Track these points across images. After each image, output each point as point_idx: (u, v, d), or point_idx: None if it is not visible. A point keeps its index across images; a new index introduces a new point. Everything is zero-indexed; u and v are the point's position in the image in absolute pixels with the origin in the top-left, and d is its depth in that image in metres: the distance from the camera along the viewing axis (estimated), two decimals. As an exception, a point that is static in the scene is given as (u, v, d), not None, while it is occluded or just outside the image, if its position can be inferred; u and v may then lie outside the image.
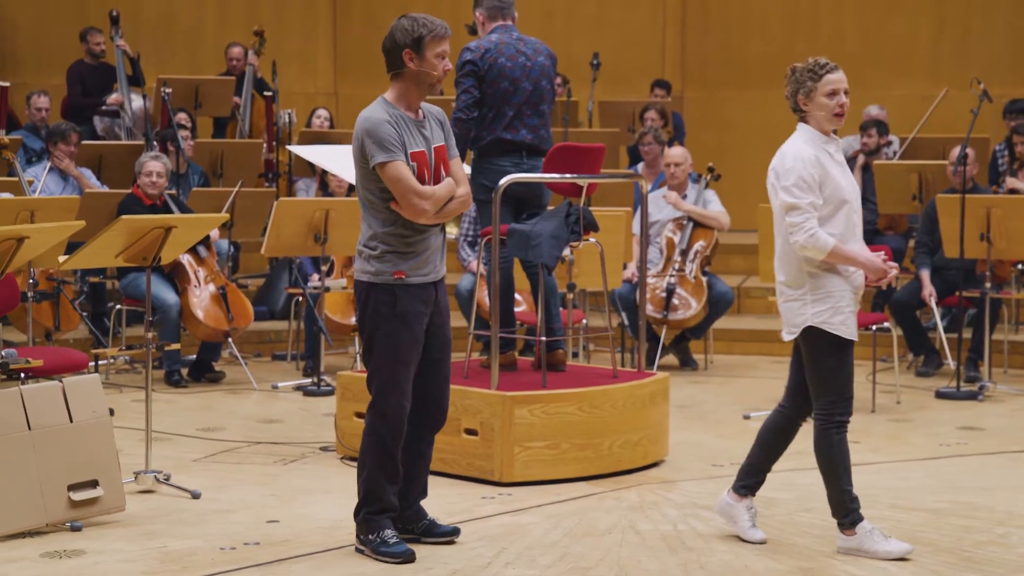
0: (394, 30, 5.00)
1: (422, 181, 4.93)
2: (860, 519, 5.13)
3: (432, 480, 6.21)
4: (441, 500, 5.92)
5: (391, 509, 5.10)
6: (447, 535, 5.26)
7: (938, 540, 5.34)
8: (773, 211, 5.16)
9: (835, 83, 5.08)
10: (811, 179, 5.01)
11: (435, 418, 5.22)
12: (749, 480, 5.38)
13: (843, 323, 5.03)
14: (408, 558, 4.99)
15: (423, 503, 5.32)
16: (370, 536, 5.04)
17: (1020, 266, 9.52)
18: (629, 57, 14.64)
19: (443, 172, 5.05)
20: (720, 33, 14.74)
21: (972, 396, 8.50)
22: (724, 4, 14.78)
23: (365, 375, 5.08)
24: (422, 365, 5.07)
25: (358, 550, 5.09)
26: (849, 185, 5.11)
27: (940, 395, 8.58)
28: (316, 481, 6.30)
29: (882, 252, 5.20)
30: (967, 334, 9.08)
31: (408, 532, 5.21)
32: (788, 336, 5.18)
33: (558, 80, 13.23)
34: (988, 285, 8.69)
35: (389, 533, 5.04)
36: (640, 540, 5.34)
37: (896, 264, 5.18)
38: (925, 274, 9.17)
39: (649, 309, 9.38)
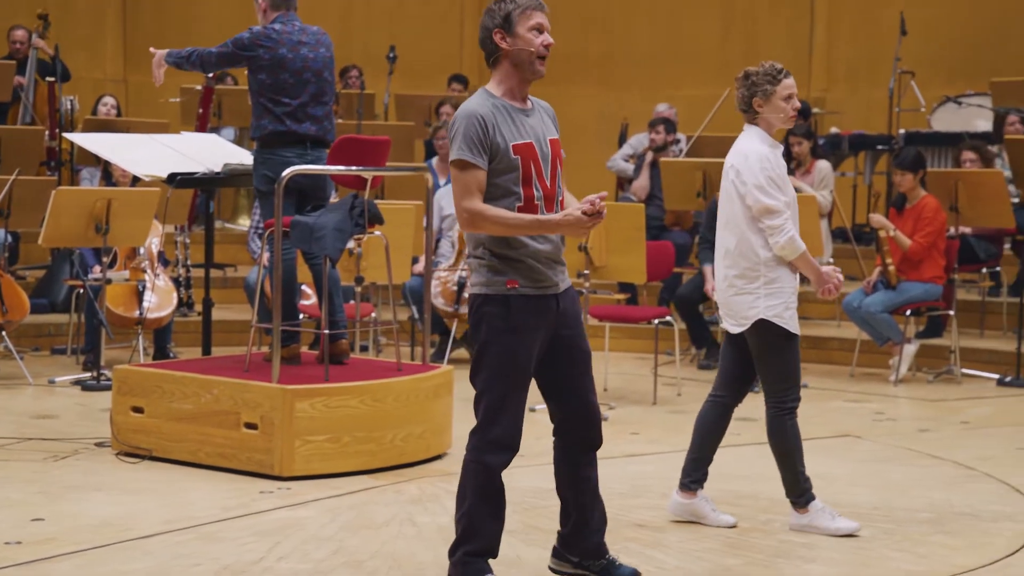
0: (482, 18, 4.46)
1: (529, 176, 4.36)
2: (812, 498, 5.42)
3: (211, 475, 6.21)
4: (219, 495, 5.86)
5: (493, 551, 4.50)
6: None
7: (702, 527, 5.50)
8: (729, 206, 5.35)
9: (791, 87, 5.36)
10: (779, 178, 5.29)
11: (591, 436, 4.59)
12: (697, 475, 5.57)
13: (792, 318, 5.34)
14: None
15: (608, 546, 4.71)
16: None
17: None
18: (427, 51, 14.67)
19: (559, 168, 4.48)
20: (517, 29, 14.85)
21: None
22: (521, 1, 14.89)
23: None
24: (564, 381, 4.54)
25: None
26: (792, 189, 5.41)
27: (719, 387, 8.82)
28: (88, 478, 6.14)
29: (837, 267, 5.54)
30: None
31: (583, 569, 4.67)
32: (736, 328, 5.40)
33: (354, 72, 13.22)
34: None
35: None
36: (417, 532, 5.37)
37: (840, 280, 5.44)
38: (708, 269, 9.42)
39: (440, 302, 9.42)
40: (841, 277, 5.47)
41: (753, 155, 5.29)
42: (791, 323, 5.33)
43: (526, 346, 4.39)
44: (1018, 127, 10.85)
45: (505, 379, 4.38)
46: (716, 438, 5.59)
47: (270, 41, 6.69)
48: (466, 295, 9.41)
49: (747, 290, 5.32)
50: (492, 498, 4.45)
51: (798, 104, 5.38)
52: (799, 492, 5.43)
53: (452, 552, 4.52)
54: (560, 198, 4.49)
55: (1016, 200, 10.09)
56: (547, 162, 4.43)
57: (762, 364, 5.41)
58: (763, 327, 5.32)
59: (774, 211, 5.25)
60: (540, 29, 4.39)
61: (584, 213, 4.31)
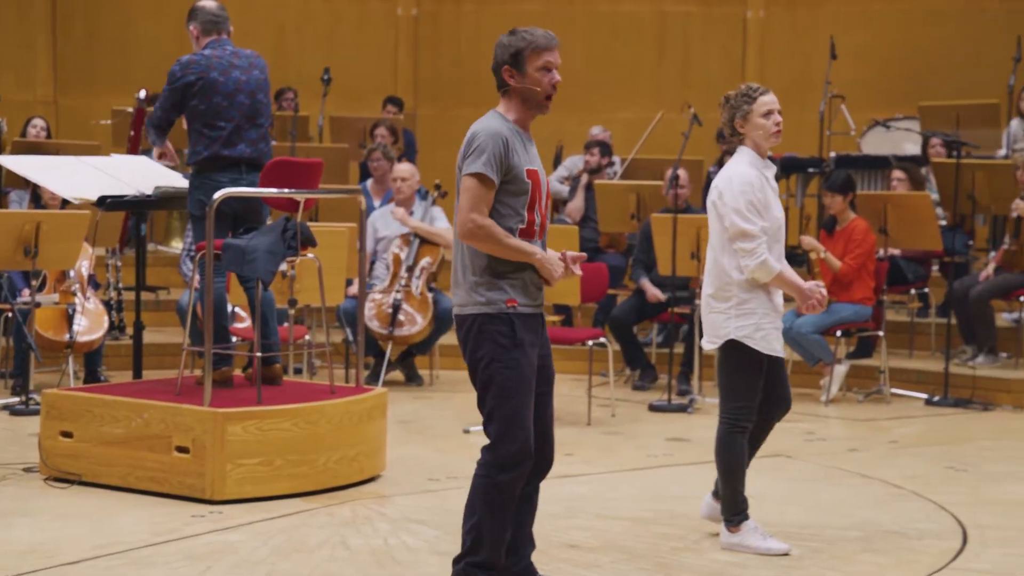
0: (496, 48, 4.55)
1: (535, 202, 4.51)
2: (746, 518, 5.47)
3: (141, 499, 6.15)
4: (149, 520, 5.81)
5: (497, 566, 4.56)
6: None
7: (636, 547, 5.53)
8: (710, 226, 5.47)
9: (769, 104, 5.44)
10: (759, 203, 5.37)
11: (545, 458, 4.65)
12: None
13: (763, 339, 5.40)
14: None
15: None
16: None
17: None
18: (362, 74, 14.68)
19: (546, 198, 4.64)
20: (452, 52, 14.94)
21: (682, 408, 8.84)
22: (456, 23, 14.99)
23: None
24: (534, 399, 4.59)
25: None
26: (779, 209, 5.48)
27: (653, 408, 8.89)
28: (15, 503, 6.05)
29: (820, 282, 5.63)
30: (679, 349, 9.43)
31: None
32: (709, 346, 5.53)
33: (289, 94, 13.19)
34: (698, 302, 9.04)
35: None
36: (349, 555, 5.35)
37: (823, 294, 5.52)
38: (646, 281, 9.48)
39: (375, 325, 9.41)
40: (824, 292, 5.55)
41: (737, 179, 5.40)
42: (761, 344, 5.40)
43: (530, 361, 4.50)
44: (939, 150, 11.04)
45: (514, 395, 4.46)
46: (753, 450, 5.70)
47: (199, 67, 6.69)
48: (401, 317, 9.41)
49: (719, 309, 5.44)
50: (502, 514, 4.52)
51: (778, 119, 5.45)
52: (735, 510, 5.49)
53: (457, 561, 4.61)
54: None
55: (944, 223, 10.25)
56: (544, 192, 4.58)
57: (723, 380, 5.51)
58: (731, 346, 5.43)
59: (749, 235, 5.35)
60: (549, 68, 4.50)
61: (563, 262, 4.55)
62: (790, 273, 5.49)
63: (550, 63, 4.50)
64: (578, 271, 4.61)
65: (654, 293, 9.41)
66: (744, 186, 5.38)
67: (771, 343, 5.46)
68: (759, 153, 5.47)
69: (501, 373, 4.45)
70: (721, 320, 5.44)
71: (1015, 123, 11.68)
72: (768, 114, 5.43)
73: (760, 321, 5.41)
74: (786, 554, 5.41)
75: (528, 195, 4.50)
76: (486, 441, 4.54)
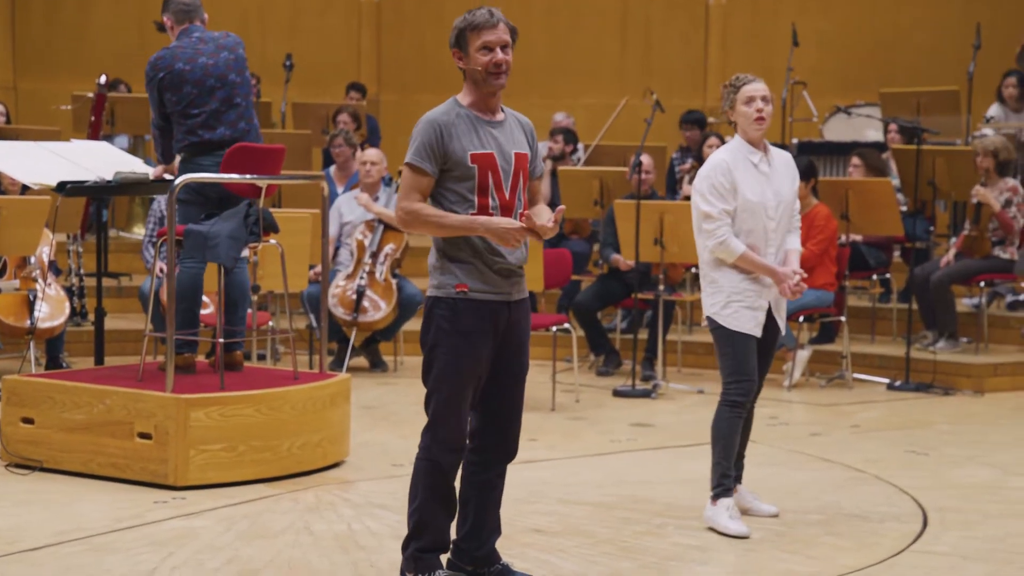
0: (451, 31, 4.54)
1: (485, 186, 4.44)
2: (726, 495, 5.55)
3: (104, 486, 6.13)
4: (111, 506, 5.78)
5: (444, 546, 4.63)
6: None
7: (599, 531, 5.55)
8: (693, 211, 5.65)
9: (751, 92, 5.56)
10: (721, 186, 5.50)
11: (506, 447, 4.65)
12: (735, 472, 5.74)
13: (732, 315, 5.55)
14: None
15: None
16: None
17: (692, 269, 9.97)
18: (324, 60, 14.63)
19: (522, 181, 4.54)
20: (415, 37, 14.91)
21: (646, 394, 8.87)
22: (417, 9, 14.96)
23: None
24: (498, 389, 4.58)
25: None
26: (764, 192, 5.53)
27: (617, 393, 8.92)
28: (-25, 490, 6.03)
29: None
30: (643, 335, 9.46)
31: None
32: (705, 323, 5.71)
33: (251, 80, 13.11)
34: (661, 288, 9.08)
35: (442, 573, 4.58)
36: (313, 540, 5.34)
37: (798, 273, 5.56)
38: (617, 256, 9.43)
39: (339, 311, 9.39)
40: (798, 281, 5.55)
41: (708, 163, 5.62)
42: (729, 320, 5.55)
43: (473, 348, 4.46)
44: (894, 136, 11.11)
45: (451, 381, 4.48)
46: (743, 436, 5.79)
47: (164, 62, 6.71)
48: (365, 303, 9.40)
49: (703, 288, 5.67)
50: (442, 495, 4.56)
51: (760, 106, 5.54)
52: (715, 484, 5.60)
53: (405, 547, 4.63)
54: (520, 210, 4.55)
55: (904, 208, 10.32)
56: (508, 174, 4.50)
57: (717, 355, 5.69)
58: (710, 323, 5.63)
59: (709, 216, 5.53)
60: (489, 47, 4.43)
61: (523, 224, 4.39)
62: (754, 257, 5.54)
63: (490, 42, 4.43)
64: (550, 228, 4.41)
65: (625, 262, 9.36)
66: (710, 170, 5.56)
67: (741, 321, 5.54)
68: (747, 140, 5.59)
69: (440, 358, 4.47)
70: (704, 298, 5.67)
71: (995, 108, 11.73)
72: (749, 101, 5.55)
73: (729, 299, 5.55)
74: (745, 538, 5.45)
75: (475, 180, 4.45)
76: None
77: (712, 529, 5.54)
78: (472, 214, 4.46)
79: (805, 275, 5.65)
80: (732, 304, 5.55)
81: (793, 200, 5.70)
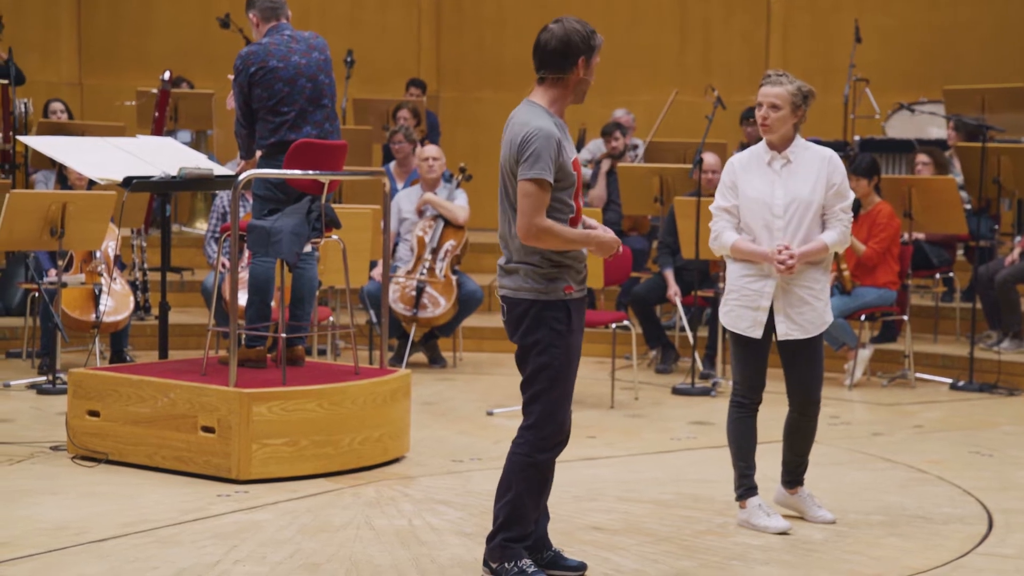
0: (569, 33, 4.65)
1: (579, 190, 4.69)
2: (749, 495, 5.54)
3: (167, 479, 6.19)
4: (176, 499, 5.84)
5: (529, 539, 4.75)
6: (575, 569, 4.86)
7: (660, 530, 5.54)
8: None
9: (759, 96, 5.57)
10: (723, 184, 5.57)
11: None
12: (792, 475, 5.73)
13: (727, 314, 5.56)
14: None
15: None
16: (506, 565, 4.67)
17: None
18: (385, 56, 14.68)
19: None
20: (475, 35, 14.92)
21: (706, 392, 8.83)
22: (478, 6, 14.96)
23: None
24: None
25: None
26: (770, 191, 5.47)
27: (676, 391, 8.89)
28: (43, 482, 6.10)
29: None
30: (703, 332, 9.42)
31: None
32: None
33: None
34: (721, 285, 9.04)
35: (527, 563, 4.68)
36: (374, 535, 5.37)
37: (785, 256, 5.43)
38: (669, 273, 9.47)
39: (399, 307, 9.43)
40: (787, 251, 5.39)
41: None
42: (726, 320, 5.56)
43: (579, 346, 4.72)
44: (950, 133, 10.99)
45: (565, 379, 4.64)
46: (790, 442, 5.71)
47: (257, 57, 6.72)
48: (424, 300, 9.43)
49: None
50: (538, 491, 4.69)
51: (764, 112, 5.49)
52: (736, 485, 5.60)
53: (491, 538, 4.74)
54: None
55: (968, 206, 10.21)
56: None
57: None
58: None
59: (712, 214, 5.59)
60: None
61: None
62: (745, 244, 5.49)
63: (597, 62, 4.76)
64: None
65: (674, 291, 9.38)
66: (724, 167, 5.67)
67: (735, 321, 5.52)
68: (766, 142, 5.55)
69: (558, 358, 4.60)
70: None
71: None
72: (758, 106, 5.54)
73: (728, 296, 5.58)
74: (785, 532, 5.45)
75: (575, 186, 4.65)
76: (509, 423, 4.58)
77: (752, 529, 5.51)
78: (571, 218, 4.65)
79: (794, 251, 5.41)
80: (731, 303, 5.53)
81: (814, 200, 5.45)
